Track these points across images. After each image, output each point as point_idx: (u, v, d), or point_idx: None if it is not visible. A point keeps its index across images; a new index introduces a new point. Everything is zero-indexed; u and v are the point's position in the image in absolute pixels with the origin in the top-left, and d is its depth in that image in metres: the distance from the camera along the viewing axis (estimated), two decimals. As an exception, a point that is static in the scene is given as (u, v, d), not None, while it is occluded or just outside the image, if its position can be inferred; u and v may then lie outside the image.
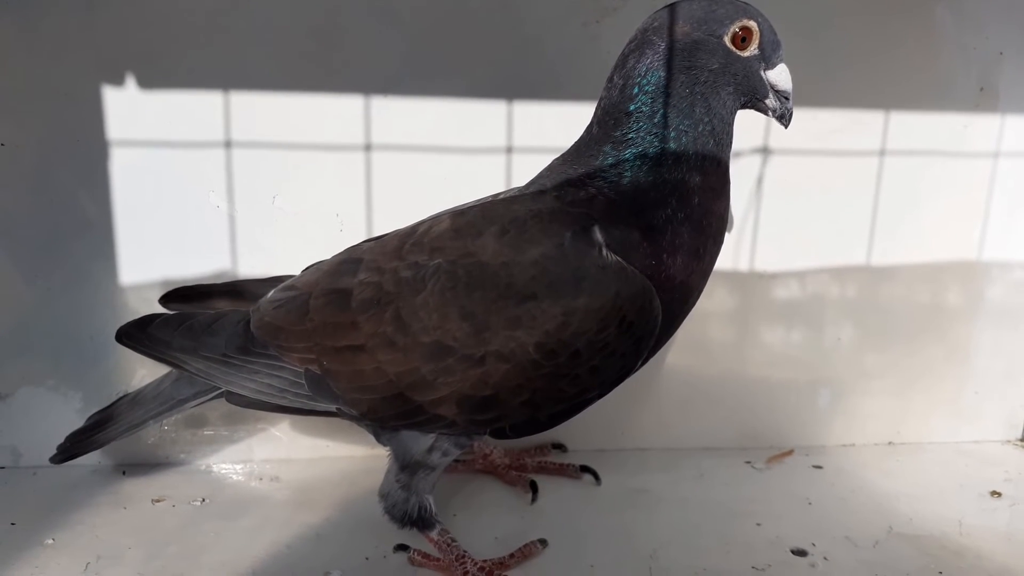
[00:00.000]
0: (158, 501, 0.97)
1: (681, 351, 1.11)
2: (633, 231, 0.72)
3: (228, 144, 0.98)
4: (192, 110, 0.97)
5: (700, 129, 0.73)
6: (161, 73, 0.96)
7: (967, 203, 1.12)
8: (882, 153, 1.07)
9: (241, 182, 0.99)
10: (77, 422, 0.98)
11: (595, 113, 0.78)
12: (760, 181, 1.07)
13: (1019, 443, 1.19)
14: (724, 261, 1.08)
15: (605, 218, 0.72)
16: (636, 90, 0.73)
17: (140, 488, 1.00)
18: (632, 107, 0.73)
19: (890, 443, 1.18)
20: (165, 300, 0.95)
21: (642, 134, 0.73)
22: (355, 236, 0.97)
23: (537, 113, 1.01)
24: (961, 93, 1.07)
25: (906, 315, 1.14)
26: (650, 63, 0.73)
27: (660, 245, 0.72)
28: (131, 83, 0.95)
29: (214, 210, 0.99)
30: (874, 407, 1.16)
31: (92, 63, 0.95)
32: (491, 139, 1.01)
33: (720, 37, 0.72)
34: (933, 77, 1.07)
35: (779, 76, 0.75)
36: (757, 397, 1.14)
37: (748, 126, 1.03)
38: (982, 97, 1.08)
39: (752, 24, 0.72)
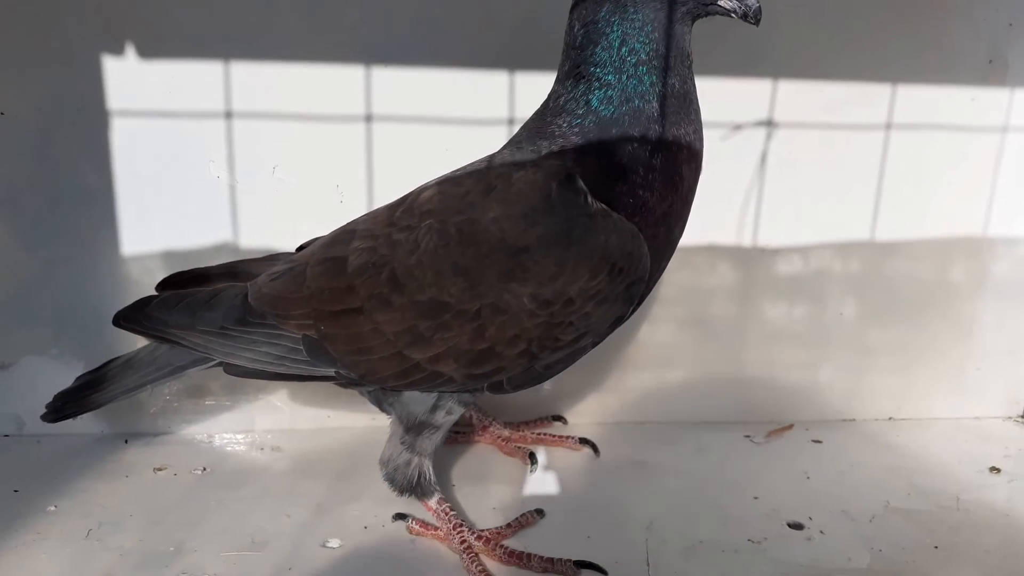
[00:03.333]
0: (160, 470, 0.98)
1: (683, 325, 1.11)
2: (607, 173, 0.73)
3: (229, 114, 0.97)
4: (192, 80, 0.96)
5: (650, 51, 0.72)
6: (161, 42, 0.95)
7: (974, 178, 1.10)
8: (888, 127, 1.06)
9: (242, 152, 0.99)
10: (80, 391, 0.98)
11: (560, 62, 0.78)
12: (764, 155, 1.06)
13: (1020, 420, 1.19)
14: (727, 235, 1.08)
15: (580, 164, 0.73)
16: (587, 28, 0.73)
17: (142, 457, 1.01)
18: (583, 41, 0.74)
19: (891, 419, 1.18)
20: (163, 287, 0.93)
21: (594, 68, 0.73)
22: (355, 206, 0.97)
23: (539, 84, 0.98)
24: (969, 65, 1.06)
25: (909, 291, 1.13)
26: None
27: (634, 182, 0.73)
28: (131, 52, 0.95)
29: (215, 180, 0.99)
30: (875, 383, 1.16)
31: (91, 32, 0.94)
32: (493, 110, 1.00)
33: None
34: (941, 49, 1.05)
35: None
36: (758, 372, 1.13)
37: (752, 100, 1.03)
38: (991, 70, 1.06)
39: None
